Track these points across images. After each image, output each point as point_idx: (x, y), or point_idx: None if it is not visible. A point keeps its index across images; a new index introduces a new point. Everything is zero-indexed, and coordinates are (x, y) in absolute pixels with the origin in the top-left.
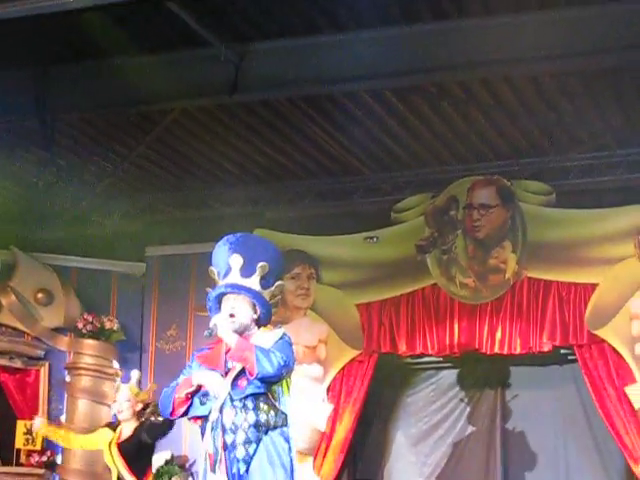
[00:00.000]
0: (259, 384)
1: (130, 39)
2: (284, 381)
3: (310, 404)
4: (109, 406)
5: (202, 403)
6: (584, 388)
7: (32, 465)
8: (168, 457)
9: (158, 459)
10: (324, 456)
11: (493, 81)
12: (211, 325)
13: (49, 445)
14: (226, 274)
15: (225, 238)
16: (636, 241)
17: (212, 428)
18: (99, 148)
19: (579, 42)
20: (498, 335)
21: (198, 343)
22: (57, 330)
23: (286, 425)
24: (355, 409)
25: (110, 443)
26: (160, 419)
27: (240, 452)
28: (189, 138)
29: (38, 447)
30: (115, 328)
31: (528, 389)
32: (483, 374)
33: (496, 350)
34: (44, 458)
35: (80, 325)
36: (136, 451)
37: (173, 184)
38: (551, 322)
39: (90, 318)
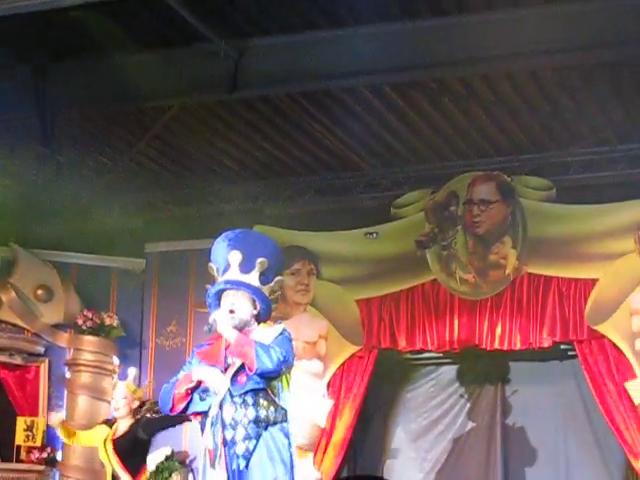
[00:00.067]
0: (258, 380)
1: (130, 35)
2: (284, 377)
3: (310, 400)
4: (109, 402)
5: (202, 399)
6: (584, 384)
7: (32, 462)
8: (168, 453)
9: (158, 455)
10: (324, 452)
11: (493, 77)
12: (210, 321)
13: (49, 441)
14: (225, 270)
15: (224, 234)
16: (636, 236)
17: (212, 424)
18: (99, 145)
19: (579, 37)
20: (498, 331)
21: (198, 339)
22: (57, 326)
23: (286, 421)
24: (355, 405)
25: (105, 440)
26: (156, 416)
27: (240, 448)
28: (188, 134)
29: (38, 444)
30: (115, 324)
31: (528, 385)
32: (483, 370)
33: (496, 346)
34: (44, 454)
35: (80, 321)
36: (131, 448)
37: (173, 180)
38: (551, 318)
39: (90, 314)
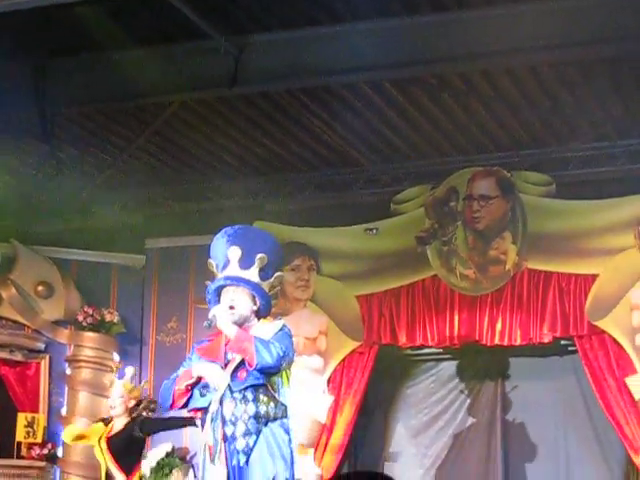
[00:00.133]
0: (258, 375)
1: (130, 32)
2: (284, 372)
3: (310, 396)
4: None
5: (202, 395)
6: (584, 379)
7: (33, 458)
8: (169, 449)
9: (159, 451)
10: (324, 448)
11: (493, 72)
12: (210, 316)
13: (50, 438)
14: (225, 266)
15: (223, 231)
16: (636, 232)
17: (212, 420)
18: (99, 141)
19: (578, 32)
20: (498, 326)
21: (198, 335)
22: (57, 323)
23: (286, 417)
24: (355, 401)
25: (100, 438)
26: (153, 415)
27: (240, 444)
28: (188, 131)
29: (39, 440)
30: (115, 321)
31: (528, 380)
32: (483, 365)
33: (496, 341)
34: (45, 451)
35: (80, 318)
36: (125, 446)
37: (173, 177)
38: (551, 313)
39: (90, 311)
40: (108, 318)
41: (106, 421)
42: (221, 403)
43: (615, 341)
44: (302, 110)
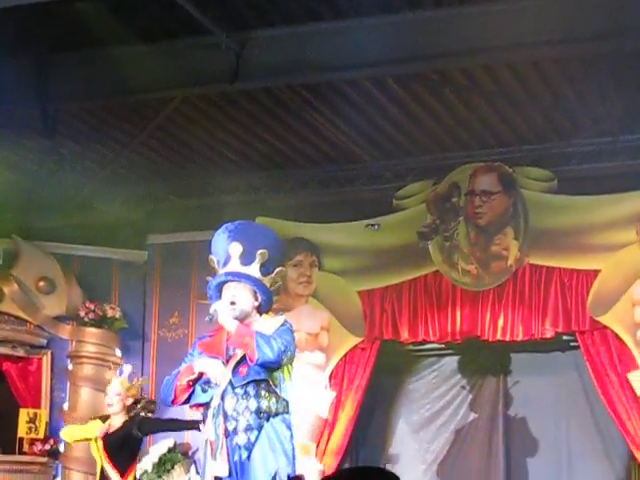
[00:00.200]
0: (260, 370)
1: (131, 27)
2: (285, 368)
3: (312, 391)
4: None
5: (204, 390)
6: (586, 374)
7: (35, 453)
8: (171, 445)
9: (161, 447)
10: (326, 443)
11: (495, 67)
12: (211, 311)
13: (52, 433)
14: (226, 262)
15: (224, 226)
16: (638, 227)
17: (213, 415)
18: (100, 136)
19: (580, 27)
20: (500, 322)
21: (200, 331)
22: (59, 318)
23: (287, 412)
24: (357, 396)
25: (96, 437)
26: (152, 415)
27: (242, 439)
28: (190, 126)
29: (41, 436)
30: (117, 316)
31: (530, 376)
32: (485, 361)
33: (498, 337)
34: (47, 446)
35: (82, 313)
36: (121, 444)
37: (174, 172)
38: (553, 309)
39: (92, 306)
40: (110, 314)
41: (104, 418)
42: (223, 399)
43: (617, 336)
44: (304, 106)
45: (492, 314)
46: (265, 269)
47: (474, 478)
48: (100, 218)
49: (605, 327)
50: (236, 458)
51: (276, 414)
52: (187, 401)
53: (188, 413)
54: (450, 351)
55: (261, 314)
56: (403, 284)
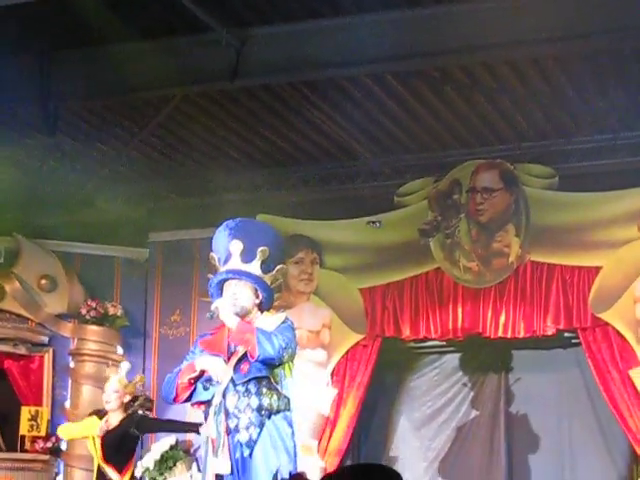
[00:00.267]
0: (261, 367)
1: (132, 25)
2: (286, 365)
3: (314, 389)
4: None
5: (205, 388)
6: (588, 371)
7: (37, 451)
8: (173, 442)
9: (163, 444)
10: (328, 440)
11: (495, 64)
12: (213, 308)
13: (54, 431)
14: (226, 260)
15: (225, 224)
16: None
17: (215, 413)
18: (101, 134)
19: (581, 24)
20: (502, 319)
21: (202, 329)
22: (61, 316)
23: (289, 409)
24: (359, 393)
25: (94, 436)
26: (150, 414)
27: (243, 436)
28: (191, 124)
29: (43, 433)
30: (119, 314)
31: (532, 373)
32: (487, 358)
33: (500, 334)
34: (49, 444)
35: (84, 311)
36: (119, 442)
37: (176, 170)
38: (555, 306)
39: (94, 304)
40: (111, 311)
41: (100, 414)
42: (224, 396)
43: (619, 333)
44: (304, 103)
45: (493, 311)
46: (266, 266)
47: (476, 475)
48: (101, 216)
49: (607, 324)
50: (237, 455)
51: (277, 411)
52: (189, 399)
53: (189, 412)
54: (451, 348)
55: (262, 311)
56: (404, 281)
